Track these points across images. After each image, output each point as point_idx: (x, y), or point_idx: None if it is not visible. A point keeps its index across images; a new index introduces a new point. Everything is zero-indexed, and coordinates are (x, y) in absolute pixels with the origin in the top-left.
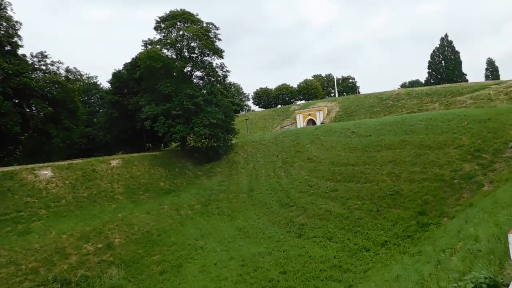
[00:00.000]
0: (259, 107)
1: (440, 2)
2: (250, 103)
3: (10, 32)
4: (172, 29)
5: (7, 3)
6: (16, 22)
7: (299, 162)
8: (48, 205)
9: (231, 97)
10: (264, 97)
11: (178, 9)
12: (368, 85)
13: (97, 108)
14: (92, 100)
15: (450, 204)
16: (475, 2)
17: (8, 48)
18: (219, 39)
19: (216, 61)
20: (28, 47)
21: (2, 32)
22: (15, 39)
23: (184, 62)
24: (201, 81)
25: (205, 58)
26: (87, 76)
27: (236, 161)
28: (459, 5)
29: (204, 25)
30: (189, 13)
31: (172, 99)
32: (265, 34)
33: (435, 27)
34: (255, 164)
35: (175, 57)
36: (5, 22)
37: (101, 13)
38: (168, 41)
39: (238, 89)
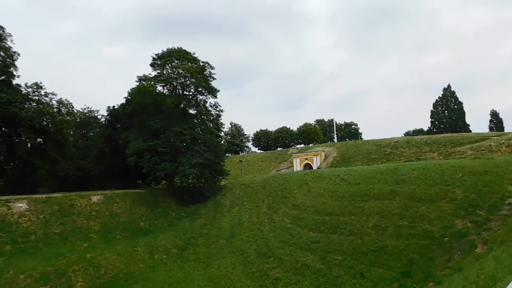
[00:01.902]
0: (258, 149)
1: (447, 55)
2: (250, 144)
3: (7, 62)
4: (166, 66)
5: (8, 34)
6: (14, 52)
7: (284, 208)
8: (15, 241)
9: (231, 137)
10: (264, 139)
11: (176, 47)
12: (372, 132)
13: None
14: (91, 134)
15: (438, 266)
16: (482, 55)
17: (3, 77)
18: (214, 78)
19: (210, 100)
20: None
21: None
22: (11, 69)
23: (175, 99)
24: (194, 119)
25: (199, 96)
26: (88, 109)
27: (222, 203)
28: (466, 57)
29: (201, 63)
30: (185, 51)
31: (160, 135)
32: (273, 77)
33: (442, 78)
34: (240, 208)
35: (168, 93)
36: (2, 52)
37: (118, 51)
38: (162, 77)
39: (239, 130)
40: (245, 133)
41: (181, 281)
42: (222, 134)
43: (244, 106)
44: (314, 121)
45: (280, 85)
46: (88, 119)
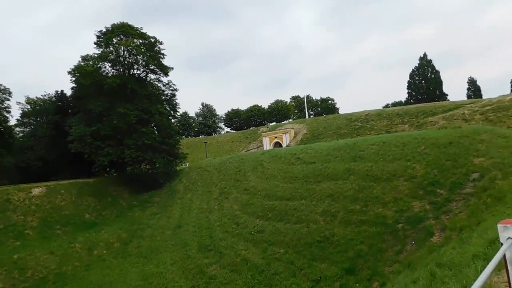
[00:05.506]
0: (231, 129)
1: (430, 28)
2: (222, 125)
3: None
4: (110, 44)
5: None
6: None
7: (236, 193)
8: None
9: (203, 118)
10: (236, 119)
11: (119, 22)
12: (351, 106)
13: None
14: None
15: (388, 260)
16: (464, 28)
17: None
18: (164, 55)
19: (163, 79)
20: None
21: None
22: None
23: (118, 79)
24: (145, 100)
25: (151, 75)
26: (49, 96)
27: (177, 190)
28: (448, 31)
29: (151, 40)
30: (129, 25)
31: (104, 119)
32: (254, 59)
33: (423, 52)
34: (193, 194)
35: (116, 73)
36: None
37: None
38: (104, 56)
39: (211, 110)
40: (217, 113)
41: (114, 280)
42: (191, 115)
43: (225, 88)
44: (290, 98)
45: (262, 66)
46: (49, 104)
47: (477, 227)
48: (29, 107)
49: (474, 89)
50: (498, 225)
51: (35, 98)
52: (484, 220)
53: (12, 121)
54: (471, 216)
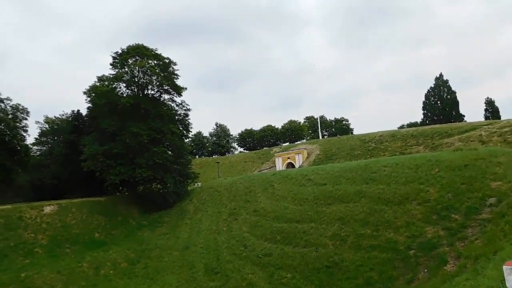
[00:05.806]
0: (244, 149)
1: (444, 49)
2: (236, 144)
3: None
4: (125, 65)
5: None
6: None
7: (245, 214)
8: None
9: (217, 138)
10: (249, 139)
11: (135, 43)
12: (366, 127)
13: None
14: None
15: None
16: (479, 47)
17: None
18: (178, 75)
19: (177, 99)
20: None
21: None
22: None
23: (132, 99)
24: (157, 120)
25: (164, 95)
26: (66, 115)
27: (187, 210)
28: (463, 50)
29: (165, 61)
30: (144, 47)
31: (117, 138)
32: (267, 79)
33: (439, 72)
34: (203, 215)
35: (131, 93)
36: None
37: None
38: (120, 77)
39: (224, 130)
40: (231, 133)
41: None
42: (205, 135)
43: (239, 108)
44: (304, 119)
45: (274, 86)
46: (66, 124)
47: (494, 256)
48: (47, 126)
49: (492, 110)
50: (504, 267)
51: (53, 118)
52: (501, 249)
53: (30, 140)
54: (488, 243)
